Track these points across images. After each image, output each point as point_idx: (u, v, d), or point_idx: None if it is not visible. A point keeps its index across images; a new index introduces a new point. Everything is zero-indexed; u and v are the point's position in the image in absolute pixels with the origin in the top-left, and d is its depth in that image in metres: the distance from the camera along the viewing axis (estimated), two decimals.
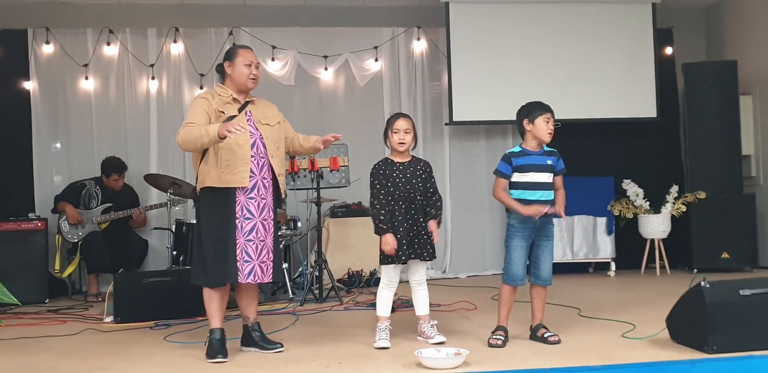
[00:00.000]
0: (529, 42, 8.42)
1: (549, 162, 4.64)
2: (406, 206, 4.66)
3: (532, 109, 4.66)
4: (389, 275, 4.70)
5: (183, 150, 4.55)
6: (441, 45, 8.56)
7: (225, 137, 4.19)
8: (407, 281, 4.83)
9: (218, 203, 4.40)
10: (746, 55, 8.52)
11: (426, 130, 8.61)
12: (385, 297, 4.73)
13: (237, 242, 4.36)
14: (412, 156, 4.84)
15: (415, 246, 4.66)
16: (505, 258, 4.66)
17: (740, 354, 3.99)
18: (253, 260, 4.40)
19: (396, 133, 4.71)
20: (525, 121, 4.66)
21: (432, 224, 4.70)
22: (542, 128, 4.60)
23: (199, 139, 4.26)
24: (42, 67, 8.18)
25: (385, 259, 4.66)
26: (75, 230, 7.28)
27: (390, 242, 4.56)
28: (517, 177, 4.63)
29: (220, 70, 4.65)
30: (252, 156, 4.43)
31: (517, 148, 4.70)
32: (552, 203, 4.61)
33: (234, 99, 4.54)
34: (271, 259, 4.49)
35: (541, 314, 4.69)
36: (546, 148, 4.70)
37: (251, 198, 4.43)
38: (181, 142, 4.36)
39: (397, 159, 4.76)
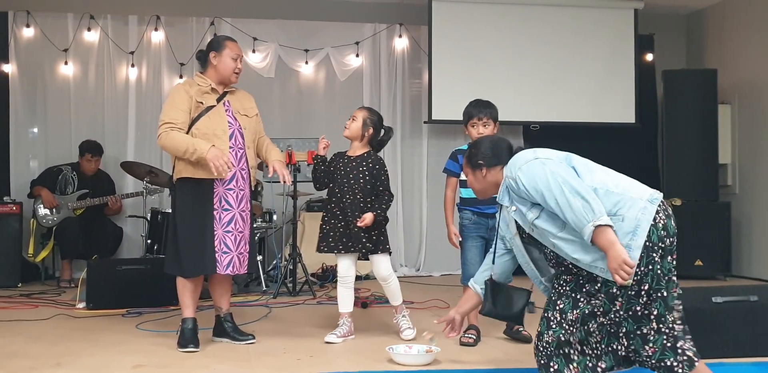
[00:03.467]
0: (511, 43, 8.44)
1: None
2: (347, 199, 4.66)
3: (464, 114, 4.73)
4: (340, 271, 4.73)
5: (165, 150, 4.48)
6: (422, 43, 8.56)
7: (206, 164, 4.22)
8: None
9: (195, 194, 4.38)
10: (726, 64, 8.59)
11: (405, 128, 8.63)
12: (342, 294, 4.76)
13: (215, 233, 4.35)
14: (368, 152, 4.81)
15: (344, 239, 4.64)
16: (461, 259, 4.70)
17: (711, 361, 4.03)
18: (232, 251, 4.39)
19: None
20: (464, 127, 4.74)
21: (367, 214, 4.60)
22: (471, 134, 4.66)
23: (184, 153, 4.26)
24: (22, 50, 8.08)
25: (320, 247, 4.71)
26: (50, 214, 7.22)
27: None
28: (463, 176, 4.67)
29: (202, 57, 4.62)
30: (230, 147, 4.42)
31: (464, 146, 4.74)
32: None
33: (213, 89, 4.52)
34: (248, 250, 4.50)
35: None
36: None
37: (230, 189, 4.42)
38: (163, 147, 4.37)
39: (349, 152, 4.81)
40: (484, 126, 4.64)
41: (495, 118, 4.68)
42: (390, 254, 4.81)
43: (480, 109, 4.65)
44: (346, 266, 4.71)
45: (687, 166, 8.15)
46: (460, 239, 4.70)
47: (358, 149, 4.79)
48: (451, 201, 4.75)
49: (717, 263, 7.99)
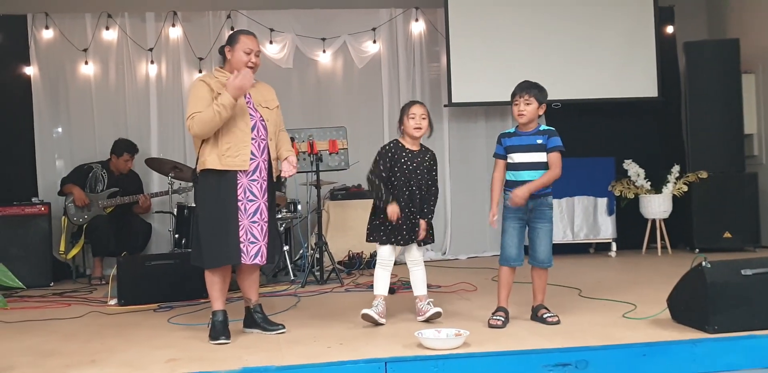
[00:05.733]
0: (529, 21, 8.38)
1: (539, 141, 4.59)
2: (411, 194, 4.70)
3: (511, 96, 4.69)
4: (383, 254, 4.76)
5: (201, 137, 4.43)
6: (439, 26, 8.53)
7: (238, 96, 4.26)
8: (405, 263, 4.87)
9: (219, 185, 4.40)
10: (748, 33, 8.47)
11: None
12: (380, 276, 4.78)
13: (240, 223, 4.37)
14: (422, 145, 4.86)
15: (414, 233, 4.73)
16: (501, 240, 4.68)
17: (741, 334, 4.01)
18: (259, 241, 4.41)
19: (412, 118, 4.73)
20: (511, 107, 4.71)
21: (422, 224, 4.77)
22: (514, 112, 4.64)
23: (217, 117, 4.25)
24: (42, 52, 8.18)
25: (378, 238, 4.72)
26: (81, 212, 7.31)
27: (395, 210, 4.61)
28: (509, 158, 4.65)
29: (222, 52, 4.63)
30: (252, 138, 4.43)
31: (511, 129, 4.73)
32: None
33: None
34: (270, 240, 4.51)
35: (542, 295, 4.71)
36: (542, 128, 4.67)
37: (254, 180, 4.43)
38: (198, 130, 4.32)
39: (408, 145, 4.78)
40: (526, 103, 4.59)
41: (539, 98, 4.62)
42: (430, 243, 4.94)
43: (522, 87, 4.62)
44: (389, 251, 4.78)
45: (712, 138, 8.09)
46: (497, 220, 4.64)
47: (416, 143, 4.82)
48: (499, 181, 4.68)
49: (746, 234, 7.94)
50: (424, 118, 4.74)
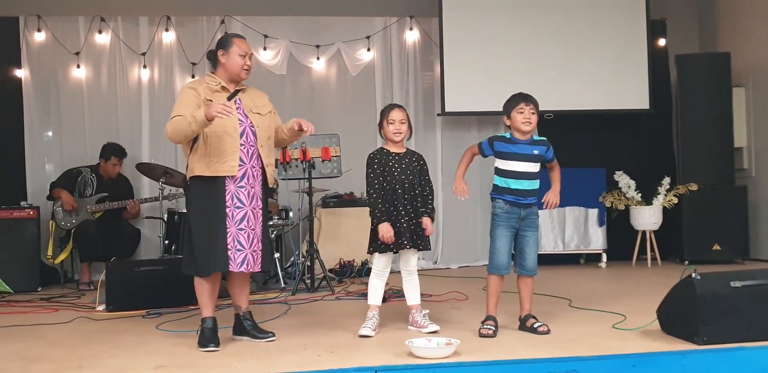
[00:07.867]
0: (522, 32, 8.42)
1: (536, 152, 4.63)
2: (405, 196, 4.69)
3: (507, 105, 4.69)
4: (379, 264, 4.73)
5: (173, 142, 4.50)
6: (434, 35, 8.55)
7: (213, 119, 4.18)
8: (398, 271, 4.85)
9: (208, 192, 4.39)
10: (739, 47, 8.52)
11: (418, 121, 8.61)
12: (375, 286, 4.75)
13: (228, 230, 4.36)
14: (407, 148, 4.86)
15: (414, 236, 4.69)
16: (490, 248, 4.68)
17: (730, 345, 4.01)
18: (246, 249, 4.39)
19: (392, 123, 4.72)
20: (504, 118, 4.71)
21: (426, 220, 4.73)
22: (517, 119, 4.62)
23: (187, 127, 4.23)
24: (34, 55, 8.16)
25: (378, 248, 4.68)
26: (69, 217, 7.27)
27: (387, 230, 4.58)
28: (500, 164, 4.66)
29: (212, 57, 4.62)
30: (241, 144, 4.41)
31: (507, 134, 4.72)
32: (536, 192, 4.65)
33: (223, 87, 4.51)
34: (260, 248, 4.48)
35: (529, 304, 4.70)
36: (535, 138, 4.71)
37: (241, 187, 4.41)
38: (170, 133, 4.34)
39: (392, 149, 4.78)
40: (531, 113, 4.61)
41: (538, 111, 4.68)
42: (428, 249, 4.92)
43: (527, 97, 4.65)
44: (387, 261, 4.75)
45: (702, 151, 8.11)
46: (466, 197, 4.67)
47: (401, 146, 4.82)
48: (469, 158, 4.77)
49: (735, 246, 7.96)
50: (403, 123, 4.73)
